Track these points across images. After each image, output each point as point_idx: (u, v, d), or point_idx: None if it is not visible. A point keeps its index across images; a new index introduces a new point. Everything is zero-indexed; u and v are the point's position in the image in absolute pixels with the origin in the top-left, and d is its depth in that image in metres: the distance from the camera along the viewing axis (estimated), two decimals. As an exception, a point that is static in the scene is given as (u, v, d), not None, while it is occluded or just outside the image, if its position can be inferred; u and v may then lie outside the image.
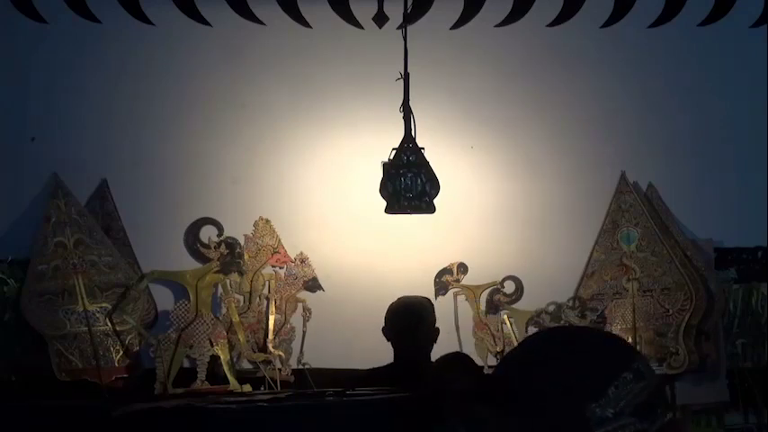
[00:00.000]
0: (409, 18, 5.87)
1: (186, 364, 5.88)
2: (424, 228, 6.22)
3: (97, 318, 5.97)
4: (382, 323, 5.79)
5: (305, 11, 6.34)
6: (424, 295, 5.92)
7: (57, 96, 6.25)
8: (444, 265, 6.29)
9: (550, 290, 6.25)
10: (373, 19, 6.34)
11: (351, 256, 6.28)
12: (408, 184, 5.65)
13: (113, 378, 5.93)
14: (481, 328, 6.25)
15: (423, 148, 5.69)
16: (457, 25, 6.41)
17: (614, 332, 6.21)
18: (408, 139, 5.68)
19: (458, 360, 5.25)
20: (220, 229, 6.14)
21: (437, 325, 5.81)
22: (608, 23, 6.44)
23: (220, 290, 6.04)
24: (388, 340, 5.79)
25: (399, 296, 5.87)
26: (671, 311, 6.22)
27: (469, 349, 6.13)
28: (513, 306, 6.25)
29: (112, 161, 6.26)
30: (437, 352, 5.64)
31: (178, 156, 6.29)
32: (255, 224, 6.19)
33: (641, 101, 6.48)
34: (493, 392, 4.80)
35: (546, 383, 4.69)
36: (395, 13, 6.15)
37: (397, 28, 5.87)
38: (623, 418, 4.59)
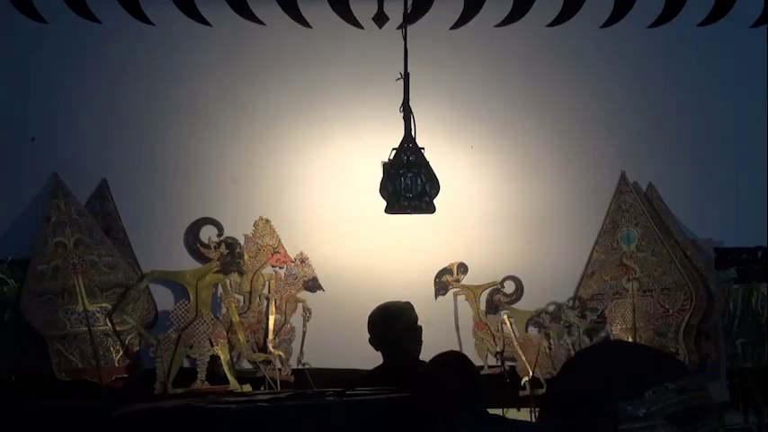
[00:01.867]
0: (409, 18, 5.87)
1: (186, 364, 5.88)
2: (424, 228, 6.22)
3: (97, 318, 5.97)
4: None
5: (305, 11, 6.34)
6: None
7: (57, 96, 6.24)
8: (444, 265, 6.29)
9: (550, 290, 6.24)
10: (373, 19, 6.34)
11: (351, 256, 6.28)
12: (408, 184, 5.65)
13: (113, 378, 5.93)
14: (481, 328, 6.25)
15: (423, 148, 5.69)
16: (457, 25, 6.41)
17: (614, 332, 6.22)
18: (408, 139, 5.68)
19: (451, 360, 5.25)
20: (220, 229, 6.14)
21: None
22: (608, 23, 6.44)
23: (220, 290, 6.04)
24: (376, 349, 5.81)
25: (402, 297, 5.92)
26: (671, 311, 6.22)
27: (469, 349, 6.13)
28: (513, 306, 6.25)
29: (112, 161, 6.25)
30: (437, 351, 5.65)
31: (178, 156, 6.29)
32: (255, 224, 6.19)
33: (641, 101, 6.48)
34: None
35: (593, 391, 4.76)
36: (395, 13, 6.15)
37: (397, 28, 5.87)
38: (654, 419, 4.65)
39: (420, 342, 5.82)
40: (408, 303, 5.88)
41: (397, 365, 5.74)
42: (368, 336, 5.85)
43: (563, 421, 4.74)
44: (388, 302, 5.88)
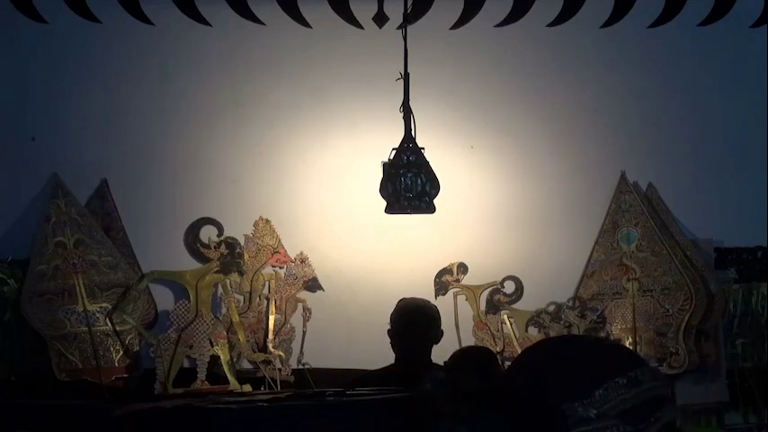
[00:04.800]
0: (409, 18, 5.87)
1: (186, 364, 5.88)
2: (424, 228, 6.22)
3: (97, 318, 5.97)
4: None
5: (305, 11, 6.34)
6: (422, 295, 5.96)
7: (57, 96, 6.24)
8: (444, 265, 6.29)
9: (550, 290, 6.25)
10: (373, 19, 6.34)
11: (351, 256, 6.28)
12: (408, 184, 5.65)
13: (113, 378, 5.94)
14: (481, 328, 6.25)
15: (423, 148, 5.69)
16: (457, 25, 6.41)
17: (614, 332, 6.23)
18: (408, 139, 5.68)
19: (476, 356, 5.23)
20: (220, 229, 6.14)
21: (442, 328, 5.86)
22: (608, 23, 6.44)
23: (220, 290, 6.04)
24: (392, 341, 5.79)
25: (402, 296, 5.90)
26: (671, 311, 6.23)
27: (469, 349, 6.13)
28: (513, 306, 6.26)
29: (112, 161, 6.25)
30: (438, 352, 5.65)
31: (178, 156, 6.29)
32: (255, 224, 6.19)
33: (641, 101, 6.48)
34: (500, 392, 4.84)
35: (543, 388, 4.70)
36: (395, 13, 6.15)
37: (397, 28, 5.86)
38: (606, 419, 4.56)
39: (436, 344, 5.81)
40: (435, 306, 5.87)
41: (407, 365, 5.70)
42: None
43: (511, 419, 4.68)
44: (417, 300, 5.84)
